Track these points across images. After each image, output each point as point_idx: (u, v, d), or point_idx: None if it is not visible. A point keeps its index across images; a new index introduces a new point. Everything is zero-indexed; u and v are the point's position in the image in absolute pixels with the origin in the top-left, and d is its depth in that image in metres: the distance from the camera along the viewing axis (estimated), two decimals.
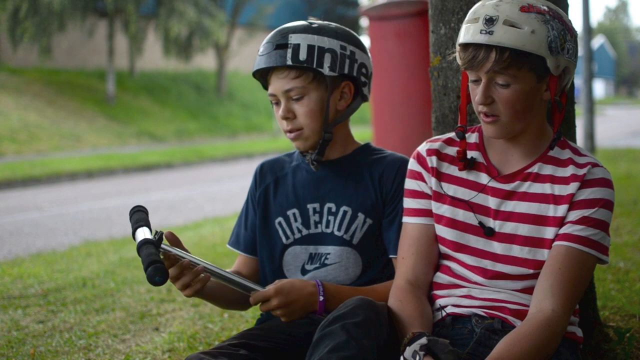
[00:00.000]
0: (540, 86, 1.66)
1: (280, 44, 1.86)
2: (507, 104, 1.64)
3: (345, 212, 1.93)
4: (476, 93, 1.67)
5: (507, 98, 1.63)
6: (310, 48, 1.85)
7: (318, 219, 1.95)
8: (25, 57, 20.35)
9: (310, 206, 1.96)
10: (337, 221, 1.93)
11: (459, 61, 1.70)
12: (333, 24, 1.94)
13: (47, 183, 11.44)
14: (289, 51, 1.84)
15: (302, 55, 1.84)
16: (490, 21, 1.60)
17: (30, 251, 5.60)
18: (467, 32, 1.64)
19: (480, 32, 1.60)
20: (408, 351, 1.51)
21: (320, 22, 1.94)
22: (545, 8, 1.63)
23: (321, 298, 1.76)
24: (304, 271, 1.95)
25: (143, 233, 1.68)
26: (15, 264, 4.87)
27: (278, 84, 1.88)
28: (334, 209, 1.94)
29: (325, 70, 1.85)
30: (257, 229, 2.02)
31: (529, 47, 1.58)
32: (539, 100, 1.68)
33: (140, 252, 1.62)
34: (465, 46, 1.65)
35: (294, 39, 1.85)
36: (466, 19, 1.68)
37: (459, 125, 1.80)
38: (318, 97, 1.88)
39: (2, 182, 10.89)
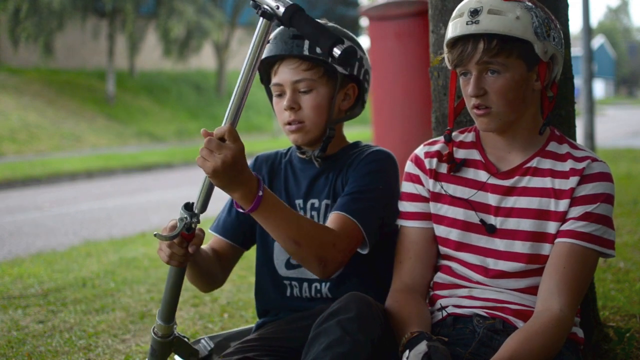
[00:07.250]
0: (530, 75, 1.67)
1: (297, 35, 1.83)
2: (499, 93, 1.65)
3: (327, 206, 1.92)
4: (468, 87, 1.68)
5: (499, 87, 1.65)
6: None
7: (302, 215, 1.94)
8: (25, 57, 20.34)
9: (297, 202, 1.96)
10: (321, 217, 1.92)
11: (448, 62, 1.73)
12: (344, 30, 1.93)
13: (47, 183, 11.43)
14: (307, 42, 1.82)
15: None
16: (475, 12, 1.63)
17: (30, 251, 5.60)
18: (455, 28, 1.67)
19: (467, 24, 1.64)
20: (411, 358, 1.49)
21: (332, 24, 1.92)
22: None
23: (260, 193, 1.63)
24: (288, 265, 1.94)
25: None
26: (15, 264, 4.87)
27: (287, 74, 1.86)
28: (316, 205, 1.94)
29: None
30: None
31: (515, 31, 1.61)
32: (531, 91, 1.69)
33: None
34: (454, 43, 1.68)
35: None
36: (452, 17, 1.70)
37: (447, 128, 1.81)
38: (326, 93, 1.87)
39: (2, 182, 10.88)
